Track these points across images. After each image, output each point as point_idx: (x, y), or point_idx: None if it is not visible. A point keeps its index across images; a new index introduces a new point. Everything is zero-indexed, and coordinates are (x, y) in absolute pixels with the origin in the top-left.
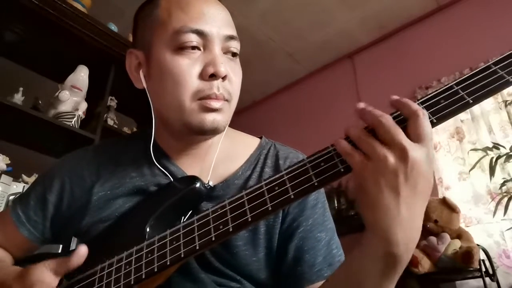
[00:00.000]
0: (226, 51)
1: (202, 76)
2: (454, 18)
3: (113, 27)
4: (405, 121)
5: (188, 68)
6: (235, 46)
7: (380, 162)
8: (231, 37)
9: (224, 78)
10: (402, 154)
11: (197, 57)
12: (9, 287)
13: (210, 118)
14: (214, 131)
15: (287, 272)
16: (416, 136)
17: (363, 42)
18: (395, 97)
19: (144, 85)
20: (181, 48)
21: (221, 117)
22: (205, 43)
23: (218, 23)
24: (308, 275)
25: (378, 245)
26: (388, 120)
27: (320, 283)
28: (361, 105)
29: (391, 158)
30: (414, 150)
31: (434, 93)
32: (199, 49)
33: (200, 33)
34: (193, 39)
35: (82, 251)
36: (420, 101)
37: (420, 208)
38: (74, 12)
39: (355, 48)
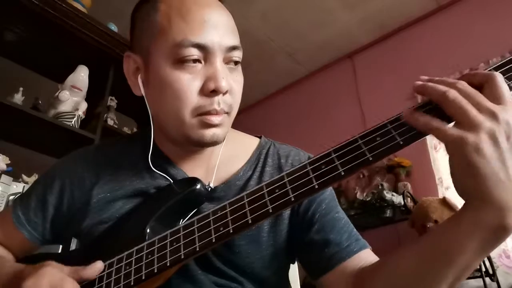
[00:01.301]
0: (228, 61)
1: (203, 91)
2: (454, 18)
3: (113, 27)
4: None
5: (189, 83)
6: (237, 55)
7: (477, 129)
8: (233, 48)
9: (225, 92)
10: (494, 117)
11: (197, 71)
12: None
13: (210, 133)
14: (213, 144)
15: (316, 258)
16: (496, 99)
17: (363, 42)
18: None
19: (143, 92)
20: (181, 62)
21: (221, 131)
22: (206, 56)
23: (220, 32)
24: (338, 254)
25: (490, 217)
26: (466, 86)
27: (352, 258)
28: (425, 78)
29: (487, 123)
30: (503, 112)
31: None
32: (200, 61)
33: (201, 47)
34: (194, 53)
35: (98, 266)
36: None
37: None
38: (74, 12)
39: (355, 48)
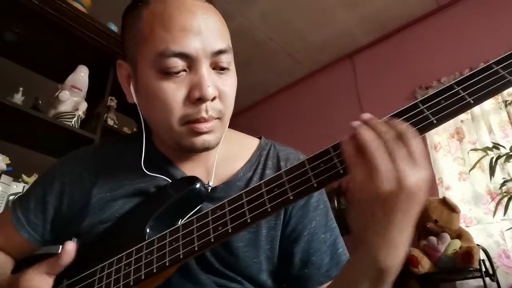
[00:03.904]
0: (215, 66)
1: (189, 99)
2: (454, 18)
3: (113, 27)
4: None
5: (174, 93)
6: (225, 59)
7: (380, 185)
8: (220, 52)
9: (213, 98)
10: (399, 181)
11: (182, 80)
12: None
13: (200, 140)
14: (205, 150)
15: (294, 275)
16: (409, 157)
17: (363, 42)
18: (367, 116)
19: (135, 99)
20: (165, 72)
21: (212, 136)
22: (190, 64)
23: (204, 37)
24: (316, 276)
25: (368, 261)
26: (391, 140)
27: (329, 283)
28: (365, 117)
29: (390, 184)
30: (410, 175)
31: (434, 93)
32: (184, 70)
33: (184, 56)
34: (178, 63)
35: (69, 247)
36: (420, 100)
37: (410, 228)
38: (74, 12)
39: (355, 48)
